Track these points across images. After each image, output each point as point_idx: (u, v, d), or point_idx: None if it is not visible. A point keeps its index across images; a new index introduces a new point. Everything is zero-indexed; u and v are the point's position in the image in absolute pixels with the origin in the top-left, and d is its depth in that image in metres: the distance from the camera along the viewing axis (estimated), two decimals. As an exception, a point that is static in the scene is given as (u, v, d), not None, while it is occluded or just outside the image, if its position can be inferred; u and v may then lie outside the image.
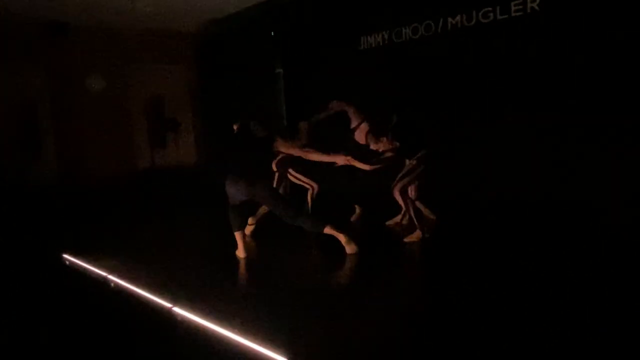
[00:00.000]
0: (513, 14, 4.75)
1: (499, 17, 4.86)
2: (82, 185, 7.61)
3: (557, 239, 4.07)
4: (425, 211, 4.71)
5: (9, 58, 7.21)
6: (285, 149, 4.19)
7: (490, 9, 4.92)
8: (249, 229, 4.76)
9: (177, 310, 2.98)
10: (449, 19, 5.30)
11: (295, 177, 5.05)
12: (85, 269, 4.06)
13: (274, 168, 4.93)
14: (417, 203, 4.45)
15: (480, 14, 5.02)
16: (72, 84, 7.80)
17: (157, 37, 8.49)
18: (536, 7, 4.56)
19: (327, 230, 3.95)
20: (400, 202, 4.35)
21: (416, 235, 4.28)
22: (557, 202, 4.41)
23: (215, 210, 5.13)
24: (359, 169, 4.06)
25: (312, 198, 5.06)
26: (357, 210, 5.29)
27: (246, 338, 2.48)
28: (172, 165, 8.82)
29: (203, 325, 2.74)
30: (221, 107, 8.46)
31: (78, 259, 4.26)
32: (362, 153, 4.29)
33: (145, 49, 8.47)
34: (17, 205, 6.68)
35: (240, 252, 4.18)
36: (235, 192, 4.01)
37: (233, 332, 2.57)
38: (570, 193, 4.36)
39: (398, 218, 4.86)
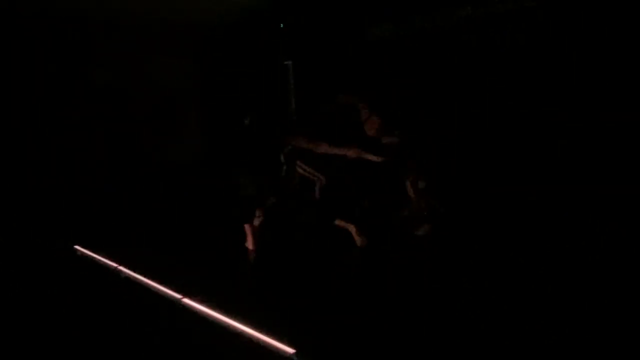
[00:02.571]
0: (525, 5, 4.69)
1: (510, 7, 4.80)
2: (91, 180, 7.65)
3: (557, 233, 4.05)
4: (433, 203, 4.70)
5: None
6: (295, 141, 4.19)
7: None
8: (257, 221, 4.77)
9: (187, 301, 3.01)
10: (458, 10, 5.24)
11: (303, 169, 5.05)
12: (96, 260, 4.11)
13: (283, 160, 4.93)
14: (426, 196, 4.44)
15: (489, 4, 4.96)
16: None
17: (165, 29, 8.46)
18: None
19: (337, 222, 3.96)
20: (412, 194, 4.34)
21: (426, 228, 4.27)
22: (558, 196, 4.39)
23: (223, 202, 5.16)
24: (367, 162, 4.06)
25: (320, 190, 5.06)
26: (365, 203, 5.28)
27: (254, 329, 2.50)
28: (182, 159, 8.85)
29: (213, 316, 2.77)
30: (230, 100, 8.47)
31: (89, 250, 4.31)
32: (370, 146, 4.27)
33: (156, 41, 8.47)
34: (28, 200, 6.76)
35: (250, 244, 4.20)
36: (245, 184, 4.03)
37: (242, 323, 2.59)
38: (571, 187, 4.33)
39: (407, 210, 4.85)
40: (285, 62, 7.88)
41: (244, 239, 4.22)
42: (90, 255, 4.22)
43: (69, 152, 7.78)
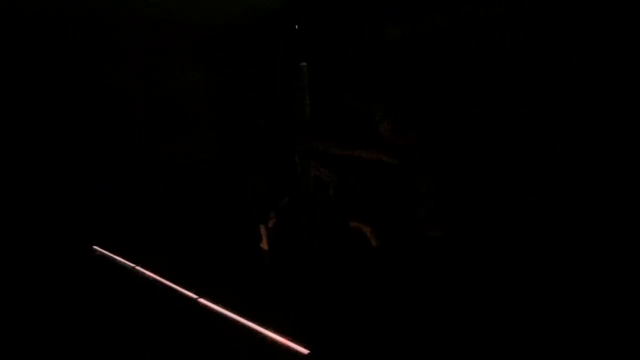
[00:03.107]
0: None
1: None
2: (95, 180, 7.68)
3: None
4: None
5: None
6: (309, 142, 4.21)
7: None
8: (271, 222, 4.80)
9: (203, 301, 3.05)
10: (481, 9, 5.18)
11: (317, 170, 5.07)
12: (114, 259, 4.18)
13: (297, 161, 4.95)
14: (439, 197, 4.43)
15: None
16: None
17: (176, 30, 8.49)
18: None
19: (352, 223, 3.98)
20: (426, 195, 4.33)
21: (439, 229, 4.26)
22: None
23: (237, 203, 5.20)
24: (381, 163, 4.06)
25: (334, 191, 5.07)
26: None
27: (269, 329, 2.52)
28: (194, 161, 8.90)
29: (228, 316, 2.80)
30: (244, 101, 8.51)
31: (107, 250, 4.39)
32: (384, 147, 4.27)
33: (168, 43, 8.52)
34: (45, 201, 6.87)
35: (264, 245, 4.23)
36: (259, 186, 4.07)
37: (256, 323, 2.62)
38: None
39: (421, 211, 4.83)
40: (300, 64, 7.90)
41: (259, 240, 4.25)
42: (108, 255, 4.30)
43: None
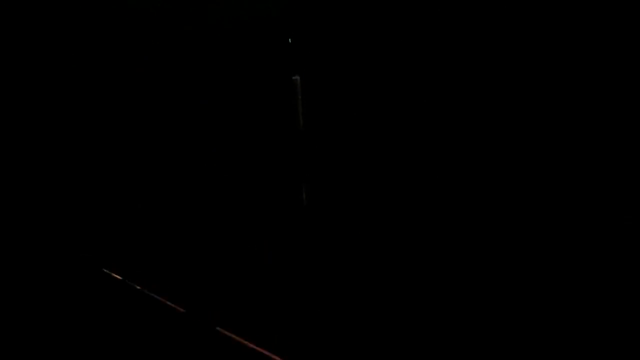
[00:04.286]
0: None
1: None
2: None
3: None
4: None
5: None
6: (302, 153, 4.20)
7: None
8: (266, 229, 4.77)
9: (194, 316, 3.00)
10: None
11: (311, 177, 5.06)
12: (102, 272, 4.11)
13: (290, 171, 4.95)
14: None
15: None
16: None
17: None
18: None
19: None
20: None
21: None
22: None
23: (234, 214, 5.16)
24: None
25: (326, 200, 5.05)
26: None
27: (261, 344, 2.48)
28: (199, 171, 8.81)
29: (219, 331, 2.76)
30: (233, 116, 8.48)
31: (94, 262, 4.32)
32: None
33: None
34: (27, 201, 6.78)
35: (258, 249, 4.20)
36: (256, 196, 4.05)
37: (248, 338, 2.58)
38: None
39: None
40: (293, 77, 7.91)
41: (253, 248, 4.21)
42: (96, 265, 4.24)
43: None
